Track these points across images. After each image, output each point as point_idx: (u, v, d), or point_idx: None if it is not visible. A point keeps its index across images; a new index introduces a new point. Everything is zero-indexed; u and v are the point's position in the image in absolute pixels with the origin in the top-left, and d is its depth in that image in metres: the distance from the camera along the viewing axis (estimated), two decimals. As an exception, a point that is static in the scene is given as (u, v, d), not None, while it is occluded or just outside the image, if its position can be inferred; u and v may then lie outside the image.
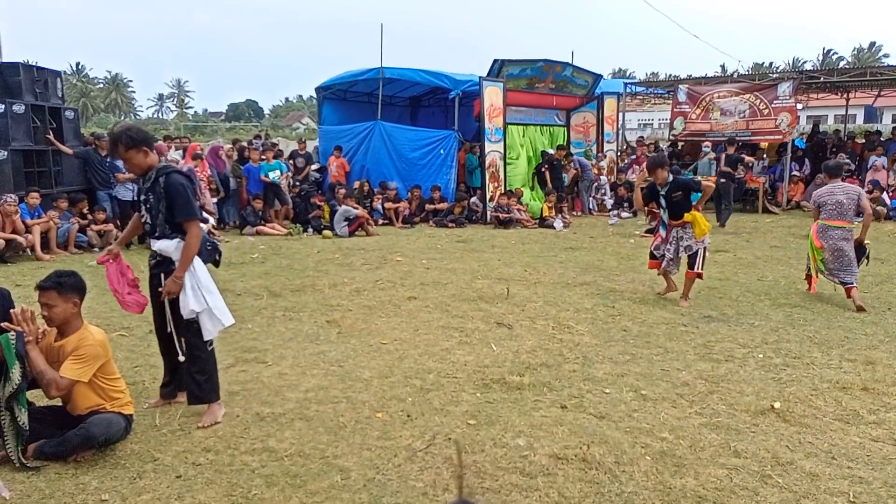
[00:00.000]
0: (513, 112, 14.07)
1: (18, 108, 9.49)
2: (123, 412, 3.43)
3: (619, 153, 16.95)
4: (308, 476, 3.14)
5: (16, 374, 3.14)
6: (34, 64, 10.37)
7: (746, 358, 4.91)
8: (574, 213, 14.30)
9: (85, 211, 9.94)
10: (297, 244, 10.62)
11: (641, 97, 22.35)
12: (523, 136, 14.80)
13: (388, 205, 13.08)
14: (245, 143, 14.82)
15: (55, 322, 3.33)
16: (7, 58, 10.41)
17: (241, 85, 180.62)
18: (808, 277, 6.87)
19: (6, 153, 9.18)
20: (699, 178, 14.29)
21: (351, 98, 16.46)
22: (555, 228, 12.35)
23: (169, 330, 3.84)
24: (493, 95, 13.26)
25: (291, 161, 14.53)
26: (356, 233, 11.53)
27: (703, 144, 14.82)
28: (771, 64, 67.30)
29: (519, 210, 13.08)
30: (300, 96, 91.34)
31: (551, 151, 14.78)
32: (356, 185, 13.82)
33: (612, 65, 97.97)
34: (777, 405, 3.99)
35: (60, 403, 3.46)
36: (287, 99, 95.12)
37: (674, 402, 4.07)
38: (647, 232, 11.36)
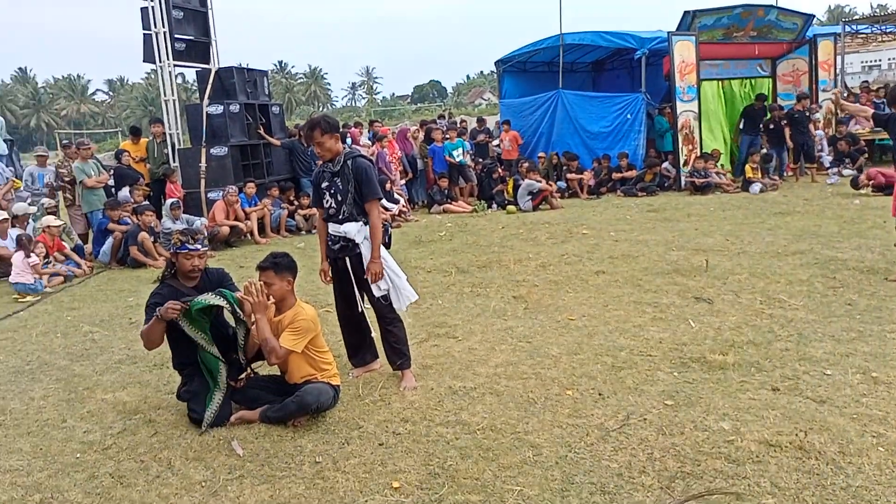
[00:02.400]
0: (707, 67, 12.99)
1: (234, 107, 10.63)
2: (332, 383, 3.71)
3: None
4: (500, 450, 3.17)
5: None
6: (245, 66, 11.53)
7: None
8: (787, 173, 12.89)
9: (292, 198, 10.94)
10: (482, 220, 10.80)
11: (865, 36, 19.44)
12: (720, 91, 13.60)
13: (571, 176, 12.80)
14: (431, 124, 15.33)
15: (273, 298, 3.69)
16: (222, 63, 11.64)
17: (425, 67, 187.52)
18: None
19: (226, 149, 10.33)
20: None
21: (531, 69, 16.28)
22: (749, 192, 11.28)
23: (360, 310, 4.12)
24: (683, 51, 12.33)
25: (474, 138, 14.77)
26: (540, 206, 11.44)
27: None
28: None
29: (718, 174, 12.10)
30: (481, 72, 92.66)
31: (785, 104, 13.24)
32: (540, 157, 13.69)
33: (827, 1, 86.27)
34: None
35: (279, 373, 3.85)
36: (468, 76, 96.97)
37: (915, 388, 3.51)
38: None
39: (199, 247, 3.74)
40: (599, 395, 3.72)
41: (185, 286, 3.77)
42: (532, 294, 5.86)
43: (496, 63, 16.32)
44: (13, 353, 5.24)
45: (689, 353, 4.23)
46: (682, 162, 12.50)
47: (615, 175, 12.73)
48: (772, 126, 12.72)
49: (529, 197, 11.44)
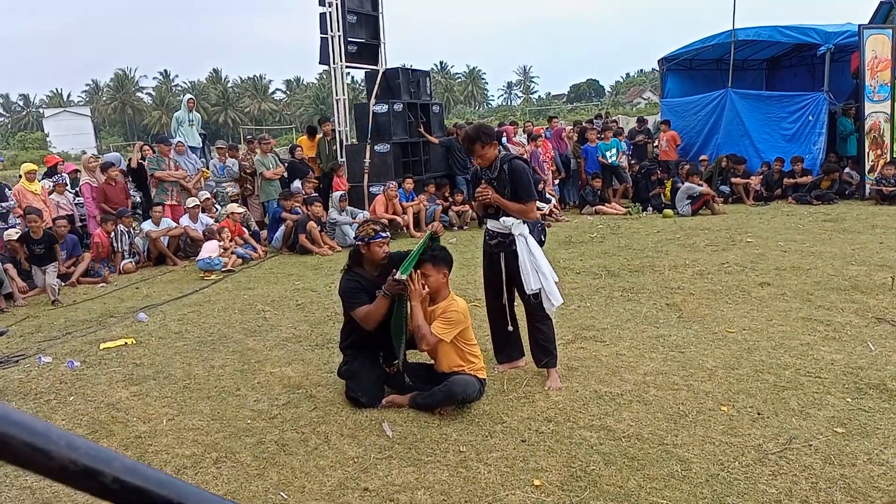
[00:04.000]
0: (904, 63, 11.61)
1: (398, 106, 11.12)
2: (478, 375, 3.81)
3: None
4: (646, 460, 3.08)
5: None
6: (409, 67, 11.99)
7: None
8: None
9: (447, 194, 11.24)
10: (635, 223, 10.45)
11: None
12: None
13: (736, 180, 12.00)
14: (585, 124, 15.06)
15: (429, 290, 3.84)
16: (388, 64, 12.17)
17: (582, 65, 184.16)
18: None
19: (389, 146, 10.84)
20: None
21: (697, 66, 15.47)
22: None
23: (504, 302, 4.19)
24: (877, 45, 11.13)
25: (632, 139, 14.31)
26: (700, 211, 10.85)
27: None
28: None
29: (910, 182, 10.79)
30: (641, 70, 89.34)
31: None
32: (702, 160, 12.98)
33: None
34: None
35: (429, 361, 4.02)
36: (627, 74, 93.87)
37: None
38: None
39: (388, 233, 4.03)
40: (758, 414, 3.49)
41: (371, 274, 3.99)
42: (687, 302, 5.60)
43: (659, 61, 15.68)
44: (198, 325, 5.89)
45: (867, 378, 3.84)
46: (867, 168, 11.28)
47: (787, 181, 11.74)
48: None
49: (689, 201, 10.89)
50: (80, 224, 9.69)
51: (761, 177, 12.05)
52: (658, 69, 16.39)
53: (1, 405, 0.44)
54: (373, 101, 11.09)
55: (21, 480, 3.19)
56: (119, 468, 0.46)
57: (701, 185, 11.01)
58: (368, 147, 10.87)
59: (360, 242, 3.96)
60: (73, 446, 0.45)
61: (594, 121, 15.76)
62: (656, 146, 14.39)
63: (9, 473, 3.25)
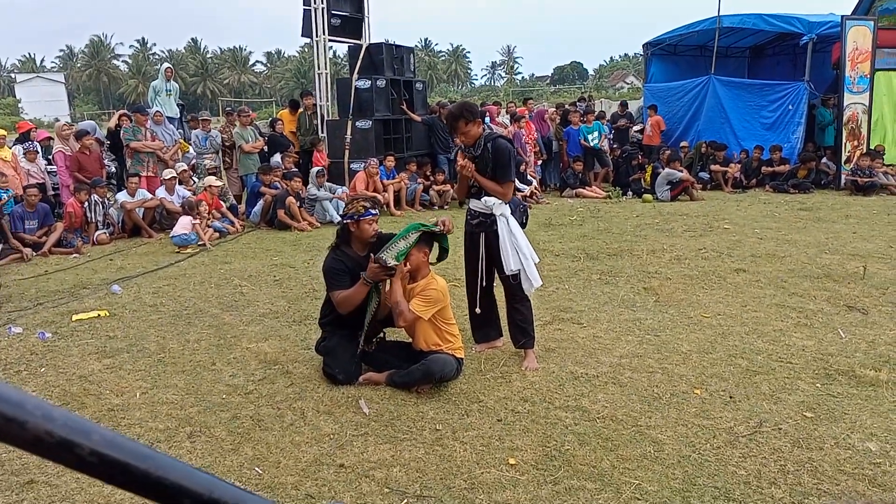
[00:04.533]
0: (886, 55, 11.73)
1: (381, 82, 10.95)
2: (456, 355, 3.81)
3: None
4: (620, 441, 3.12)
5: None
6: (393, 43, 11.81)
7: None
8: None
9: (428, 173, 11.18)
10: (615, 207, 10.50)
11: None
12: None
13: (715, 167, 12.10)
14: (568, 106, 15.04)
15: (410, 267, 3.82)
16: (372, 39, 11.95)
17: (566, 47, 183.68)
18: None
19: (370, 122, 10.71)
20: None
21: (681, 52, 15.50)
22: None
23: (484, 284, 4.17)
24: (858, 37, 11.22)
25: (614, 123, 14.33)
26: (679, 197, 10.93)
27: None
28: None
29: (886, 174, 10.96)
30: (625, 54, 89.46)
31: None
32: (682, 146, 13.05)
33: None
34: None
35: (407, 340, 4.01)
36: (612, 58, 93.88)
37: None
38: None
39: (378, 211, 3.97)
40: (730, 397, 3.55)
41: (358, 254, 3.94)
42: (664, 287, 5.66)
43: (644, 45, 15.68)
44: (174, 299, 5.81)
45: (836, 364, 3.92)
46: (843, 159, 11.43)
47: (765, 169, 11.86)
48: None
49: (668, 186, 10.95)
50: (52, 193, 9.48)
51: (740, 164, 12.16)
52: (642, 54, 16.39)
53: None
54: (355, 76, 10.93)
55: (-11, 452, 3.14)
56: (98, 441, 0.45)
57: (681, 172, 11.07)
58: (350, 123, 10.73)
59: (349, 220, 3.90)
60: (50, 417, 0.43)
61: (577, 103, 15.75)
62: (638, 130, 14.44)
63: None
